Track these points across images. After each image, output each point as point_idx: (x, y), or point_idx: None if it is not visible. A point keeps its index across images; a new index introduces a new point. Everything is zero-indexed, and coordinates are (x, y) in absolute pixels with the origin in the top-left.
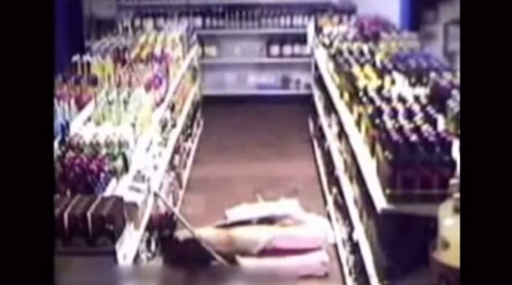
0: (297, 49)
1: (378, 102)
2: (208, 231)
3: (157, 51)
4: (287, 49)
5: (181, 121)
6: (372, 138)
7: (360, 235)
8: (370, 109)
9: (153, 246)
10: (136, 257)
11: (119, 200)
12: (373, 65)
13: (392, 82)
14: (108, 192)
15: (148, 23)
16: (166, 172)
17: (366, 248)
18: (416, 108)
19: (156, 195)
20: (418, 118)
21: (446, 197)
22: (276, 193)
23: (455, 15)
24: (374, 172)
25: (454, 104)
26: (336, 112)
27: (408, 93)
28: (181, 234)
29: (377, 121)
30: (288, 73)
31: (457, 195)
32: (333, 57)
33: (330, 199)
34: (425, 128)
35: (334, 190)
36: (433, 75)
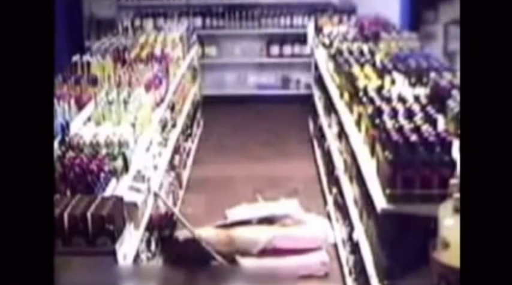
0: (297, 49)
1: (378, 102)
2: (208, 231)
3: (157, 51)
4: (287, 49)
5: (181, 121)
6: (372, 138)
7: (360, 235)
8: (370, 109)
9: (153, 246)
10: (136, 257)
11: (119, 200)
12: (373, 65)
13: (392, 82)
14: (108, 192)
15: (148, 23)
16: (166, 172)
17: (366, 248)
18: (416, 108)
19: (156, 195)
20: (418, 118)
21: (446, 197)
22: (276, 193)
23: (455, 15)
24: (374, 172)
25: (454, 104)
26: (336, 112)
27: (408, 93)
28: (181, 234)
29: (377, 121)
30: (288, 73)
31: (457, 195)
32: (333, 57)
33: (330, 199)
34: (425, 128)
35: (334, 190)
36: (433, 75)
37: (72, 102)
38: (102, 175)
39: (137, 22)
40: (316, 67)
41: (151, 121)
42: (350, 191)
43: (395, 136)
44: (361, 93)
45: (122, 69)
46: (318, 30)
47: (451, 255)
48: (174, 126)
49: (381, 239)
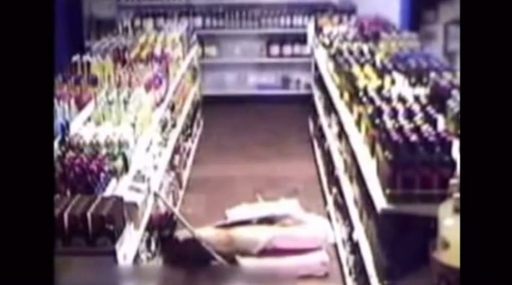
0: (297, 49)
1: (378, 102)
2: (208, 231)
3: (157, 51)
4: (287, 49)
5: (181, 121)
6: (372, 138)
7: (360, 235)
8: (370, 109)
9: (153, 246)
10: (136, 257)
11: (119, 200)
12: (373, 65)
13: (392, 82)
14: (108, 192)
15: (148, 23)
16: (166, 172)
17: (366, 248)
18: (416, 108)
19: (156, 195)
20: (418, 118)
21: (446, 197)
22: (276, 193)
23: (455, 15)
24: (374, 172)
25: (454, 104)
26: (336, 112)
27: (408, 93)
28: (181, 234)
29: (377, 121)
30: (288, 73)
31: (457, 195)
32: (333, 57)
33: (330, 199)
34: (425, 128)
35: (334, 190)
36: (433, 75)
37: (72, 102)
38: (102, 175)
39: (137, 22)
40: (316, 67)
41: (151, 121)
42: (350, 191)
43: (395, 136)
44: (361, 93)
45: (122, 69)
46: (318, 30)
47: (451, 255)
48: (174, 126)
49: (381, 239)
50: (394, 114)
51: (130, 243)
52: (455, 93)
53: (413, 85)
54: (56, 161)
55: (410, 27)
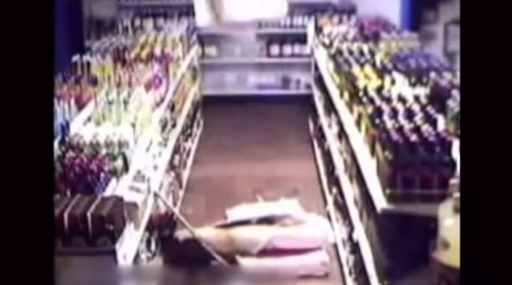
0: (297, 49)
1: (378, 102)
2: (208, 231)
3: (157, 51)
4: (287, 49)
5: (181, 121)
6: (372, 138)
7: (360, 234)
8: (370, 109)
9: (153, 246)
10: (136, 257)
11: (119, 200)
12: (373, 65)
13: (392, 82)
14: (108, 192)
15: (148, 23)
16: (166, 172)
17: (366, 248)
18: (416, 108)
19: (156, 195)
20: (418, 118)
21: (446, 197)
22: (276, 193)
23: (455, 15)
24: (374, 172)
25: (454, 104)
26: (336, 112)
27: (408, 93)
28: (181, 234)
29: (377, 121)
30: (288, 73)
31: (457, 195)
32: (333, 57)
33: (330, 199)
34: (425, 128)
35: (334, 190)
36: (433, 75)
37: (72, 102)
38: (102, 175)
39: (137, 22)
40: (316, 67)
41: (151, 121)
42: (350, 191)
43: (395, 136)
44: (361, 93)
45: (122, 69)
46: (318, 30)
47: (451, 255)
48: (174, 126)
49: (381, 239)
50: (394, 114)
51: (130, 243)
52: (455, 93)
53: (413, 85)
54: (56, 161)
55: (410, 27)
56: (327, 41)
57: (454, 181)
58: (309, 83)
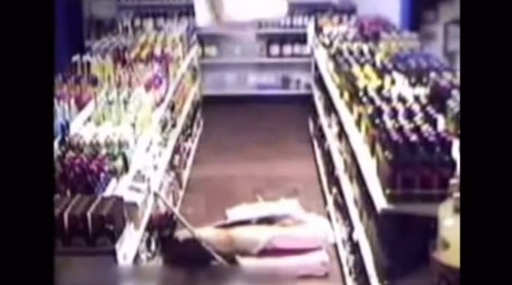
0: (297, 49)
1: (378, 102)
2: (208, 231)
3: (157, 51)
4: (287, 49)
5: (181, 121)
6: (372, 138)
7: (360, 234)
8: (370, 109)
9: (153, 246)
10: (136, 257)
11: (119, 200)
12: (373, 65)
13: (392, 82)
14: (108, 192)
15: (148, 23)
16: (166, 172)
17: (366, 248)
18: (416, 108)
19: (156, 195)
20: (418, 118)
21: (446, 197)
22: (276, 193)
23: (455, 15)
24: (374, 172)
25: (454, 104)
26: (336, 112)
27: (408, 93)
28: (181, 234)
29: (377, 121)
30: (288, 73)
31: (457, 195)
32: (333, 57)
33: (330, 199)
34: (425, 128)
35: (334, 190)
36: (433, 75)
37: (72, 102)
38: (102, 175)
39: (137, 22)
40: (316, 67)
41: (151, 121)
42: (350, 191)
43: (395, 136)
44: (361, 93)
45: (122, 69)
46: (318, 30)
47: (451, 255)
48: (174, 126)
49: (381, 239)
50: (394, 114)
51: (130, 243)
52: (455, 93)
53: (413, 85)
54: (56, 161)
55: (410, 27)
56: (327, 41)
57: (454, 181)
58: (309, 83)
